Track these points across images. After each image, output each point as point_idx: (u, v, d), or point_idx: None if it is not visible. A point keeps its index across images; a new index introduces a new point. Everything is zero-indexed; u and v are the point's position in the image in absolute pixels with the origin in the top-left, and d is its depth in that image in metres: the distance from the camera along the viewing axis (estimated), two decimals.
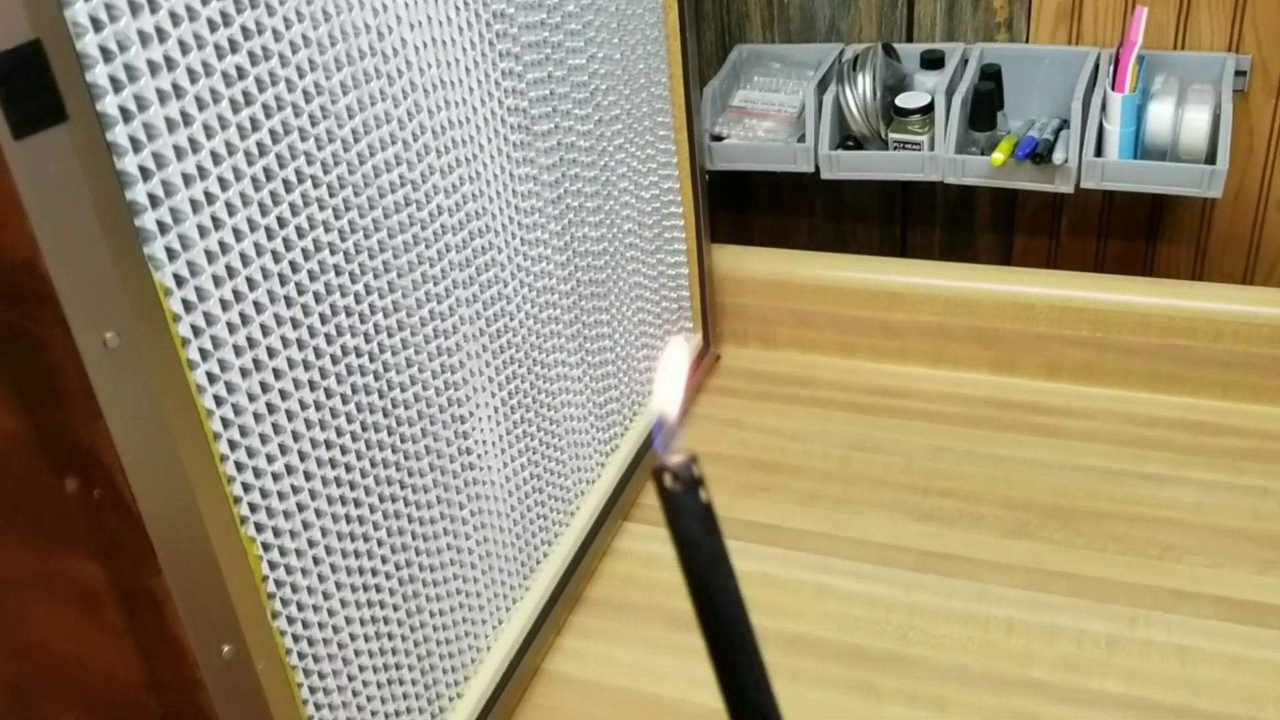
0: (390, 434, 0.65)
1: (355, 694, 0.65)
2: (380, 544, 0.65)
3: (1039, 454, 0.99)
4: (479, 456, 0.75)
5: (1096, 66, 1.01)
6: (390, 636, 0.67)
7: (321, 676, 0.62)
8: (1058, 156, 0.96)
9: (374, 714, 0.67)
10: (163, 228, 0.48)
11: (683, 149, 1.00)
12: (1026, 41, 1.06)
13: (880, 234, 1.20)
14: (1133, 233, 1.11)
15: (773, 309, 1.12)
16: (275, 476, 0.56)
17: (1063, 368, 1.05)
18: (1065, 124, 1.02)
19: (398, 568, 0.67)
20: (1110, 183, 0.96)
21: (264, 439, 0.55)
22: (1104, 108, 0.97)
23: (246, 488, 0.54)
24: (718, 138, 1.08)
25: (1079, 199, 1.09)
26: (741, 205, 1.23)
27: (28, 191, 0.40)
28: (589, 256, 0.87)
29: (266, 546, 0.56)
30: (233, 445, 0.53)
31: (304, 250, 0.56)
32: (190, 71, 0.48)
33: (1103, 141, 0.97)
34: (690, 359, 1.07)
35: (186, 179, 0.49)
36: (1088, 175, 0.96)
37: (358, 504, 0.63)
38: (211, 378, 0.51)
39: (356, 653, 0.64)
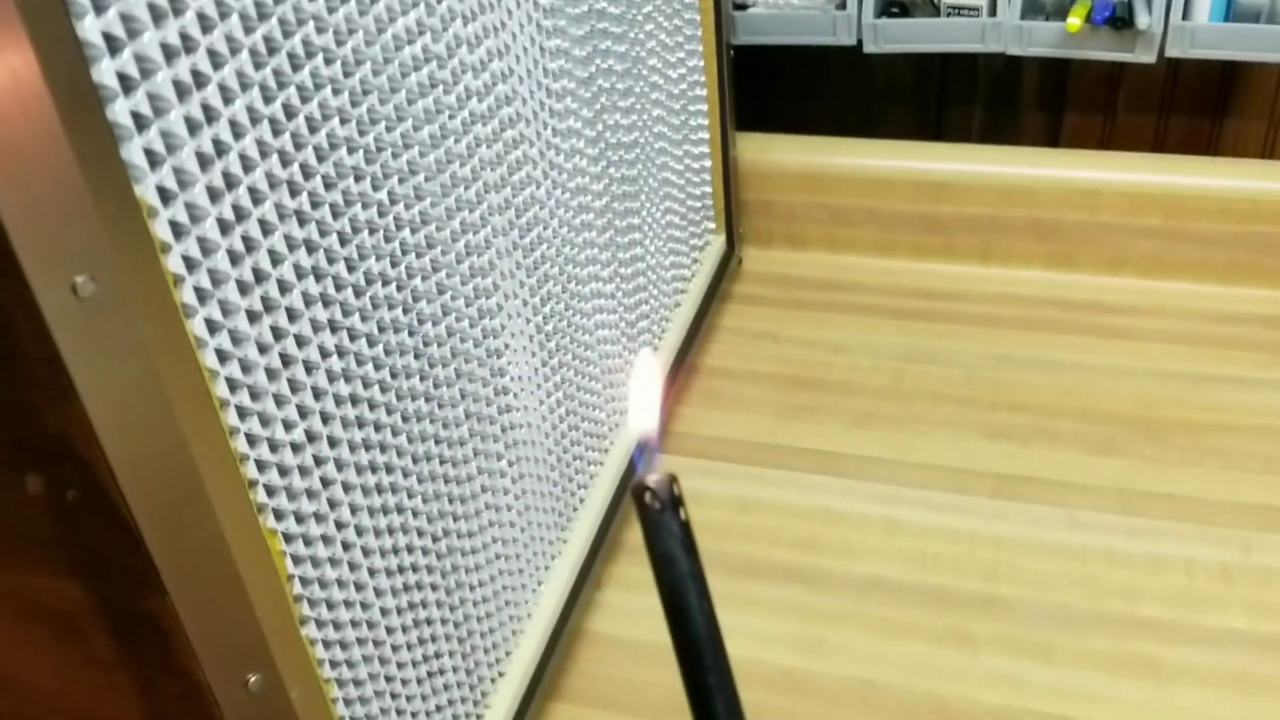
0: (423, 379, 0.52)
1: (394, 697, 0.53)
2: (415, 515, 0.53)
3: (1111, 359, 0.89)
4: (515, 396, 0.62)
5: None
6: (429, 623, 0.55)
7: (358, 684, 0.50)
8: (1141, 20, 0.84)
9: (414, 715, 0.55)
10: (139, 121, 0.34)
11: (708, 18, 0.86)
12: None
13: (913, 115, 1.07)
14: (1199, 109, 0.99)
15: (801, 205, 0.99)
16: (295, 448, 0.43)
17: (1129, 261, 0.95)
18: None
19: (434, 540, 0.55)
20: (1200, 50, 0.85)
21: (279, 401, 0.42)
22: None
23: (261, 467, 0.41)
24: (741, 6, 0.93)
25: (1140, 72, 0.97)
26: (756, 86, 1.09)
27: None
28: (620, 149, 0.73)
29: (289, 538, 0.44)
30: (242, 413, 0.40)
31: (317, 150, 0.43)
32: None
33: (1189, 4, 0.85)
34: (714, 266, 0.95)
35: (167, 51, 0.34)
36: (1174, 42, 0.85)
37: (389, 470, 0.50)
38: (213, 327, 0.38)
39: (394, 648, 0.52)
